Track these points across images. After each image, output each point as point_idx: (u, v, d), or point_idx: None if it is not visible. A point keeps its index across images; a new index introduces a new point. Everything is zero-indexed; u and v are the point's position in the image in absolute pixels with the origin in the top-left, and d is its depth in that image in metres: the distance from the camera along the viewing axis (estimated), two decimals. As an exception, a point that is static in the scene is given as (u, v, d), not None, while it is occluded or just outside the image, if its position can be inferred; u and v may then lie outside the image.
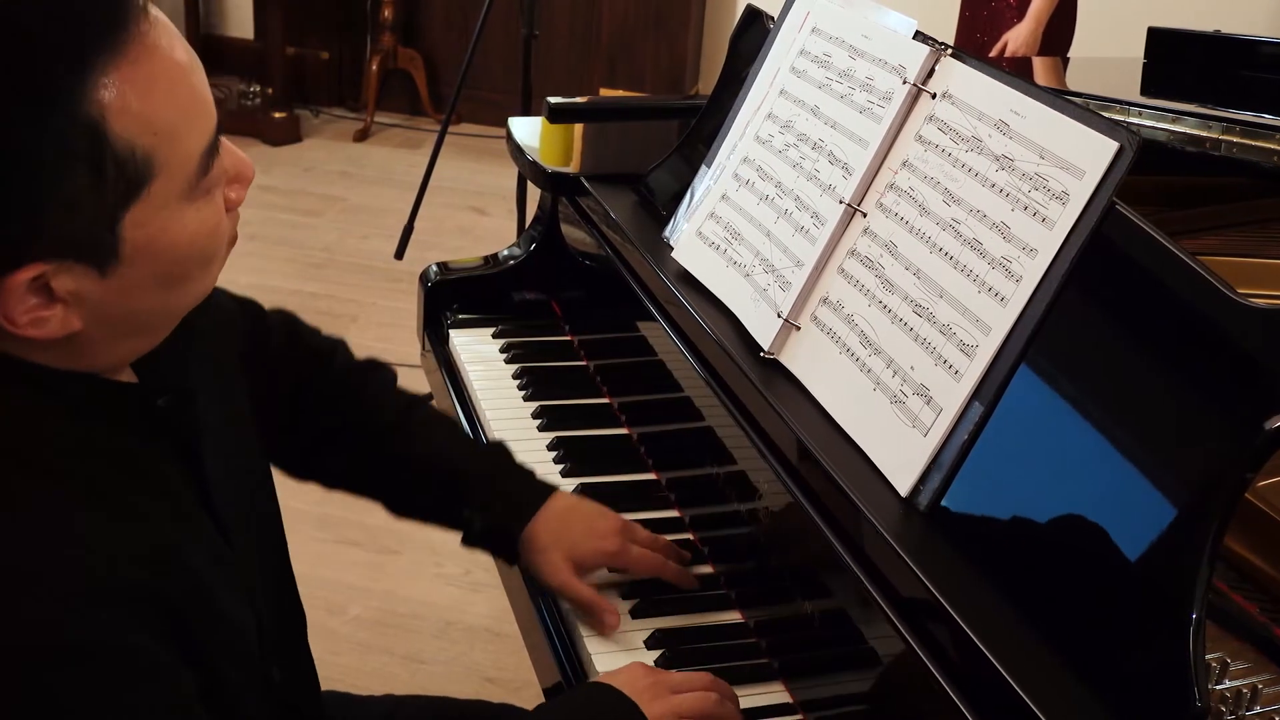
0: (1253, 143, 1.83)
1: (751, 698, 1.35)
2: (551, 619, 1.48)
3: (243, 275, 3.67)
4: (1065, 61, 3.43)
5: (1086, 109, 1.20)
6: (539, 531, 1.43)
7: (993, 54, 4.03)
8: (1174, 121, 1.90)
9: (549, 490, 1.47)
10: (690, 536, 1.58)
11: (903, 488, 1.22)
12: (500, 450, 1.52)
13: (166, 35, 0.91)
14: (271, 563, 1.27)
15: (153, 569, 0.94)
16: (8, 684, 0.86)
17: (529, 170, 2.12)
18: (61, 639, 0.87)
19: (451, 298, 2.10)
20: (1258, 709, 1.15)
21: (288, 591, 1.32)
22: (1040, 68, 3.11)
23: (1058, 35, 4.10)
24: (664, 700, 1.23)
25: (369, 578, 2.93)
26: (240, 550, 1.13)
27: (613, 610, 1.42)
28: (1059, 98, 1.23)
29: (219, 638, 1.02)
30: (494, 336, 2.03)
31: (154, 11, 0.91)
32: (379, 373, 1.53)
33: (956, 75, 1.35)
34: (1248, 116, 1.86)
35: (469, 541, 1.48)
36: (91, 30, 0.86)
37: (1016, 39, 4.01)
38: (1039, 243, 1.18)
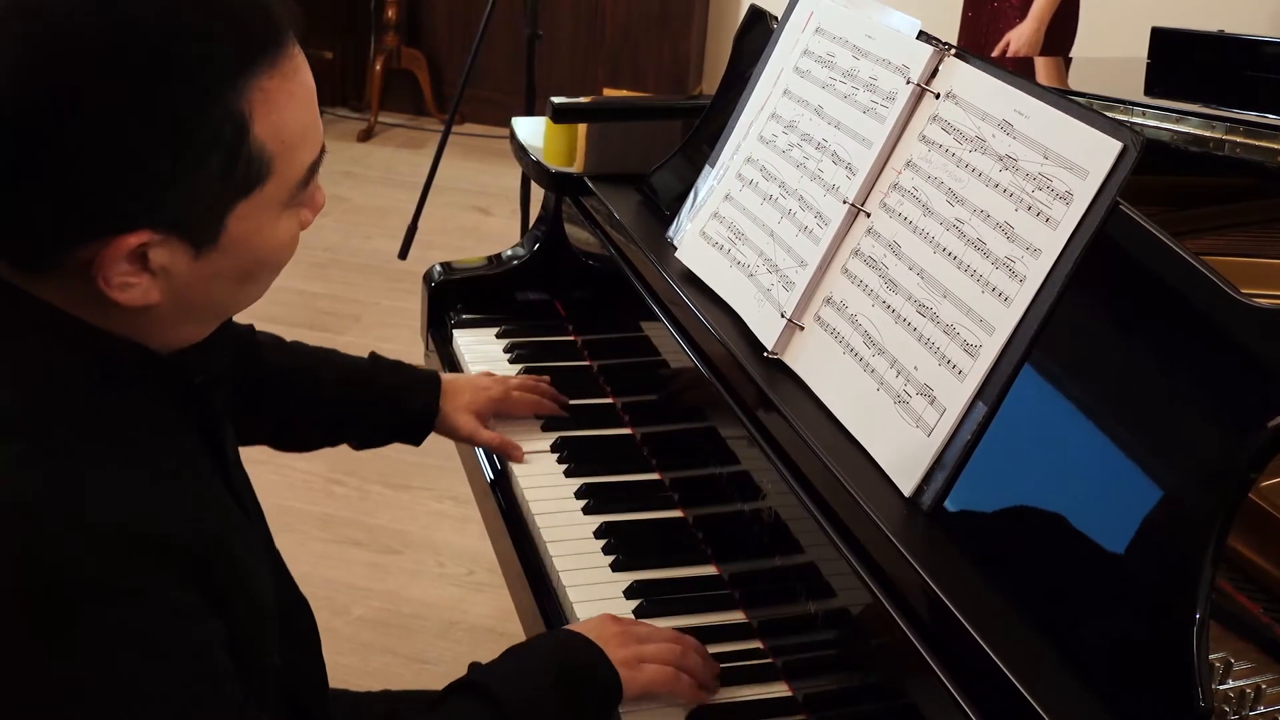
0: (1256, 143, 1.83)
1: (755, 697, 1.35)
2: (555, 618, 1.48)
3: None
4: (1068, 61, 3.43)
5: (1090, 109, 1.20)
6: (445, 402, 1.72)
7: (994, 54, 4.02)
8: (1178, 122, 1.90)
9: (430, 373, 1.75)
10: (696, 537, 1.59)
11: (906, 488, 1.22)
12: (376, 356, 1.74)
13: (304, 62, 1.03)
14: (269, 556, 1.28)
15: (186, 523, 0.99)
16: (48, 622, 0.90)
17: (533, 170, 2.12)
18: (101, 581, 0.92)
19: (455, 298, 2.10)
20: (1261, 709, 1.15)
21: (285, 587, 1.33)
22: (1042, 68, 3.11)
23: (1060, 35, 4.09)
24: (629, 647, 1.31)
25: (372, 578, 2.93)
26: (255, 527, 1.19)
27: (517, 446, 1.73)
28: (1063, 98, 1.23)
29: (243, 598, 1.06)
30: (498, 336, 2.03)
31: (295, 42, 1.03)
32: (263, 338, 1.64)
33: (960, 75, 1.35)
34: (1251, 117, 1.87)
35: (375, 439, 1.73)
36: (256, 42, 0.98)
37: (1018, 39, 4.01)
38: (1043, 243, 1.18)
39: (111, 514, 0.94)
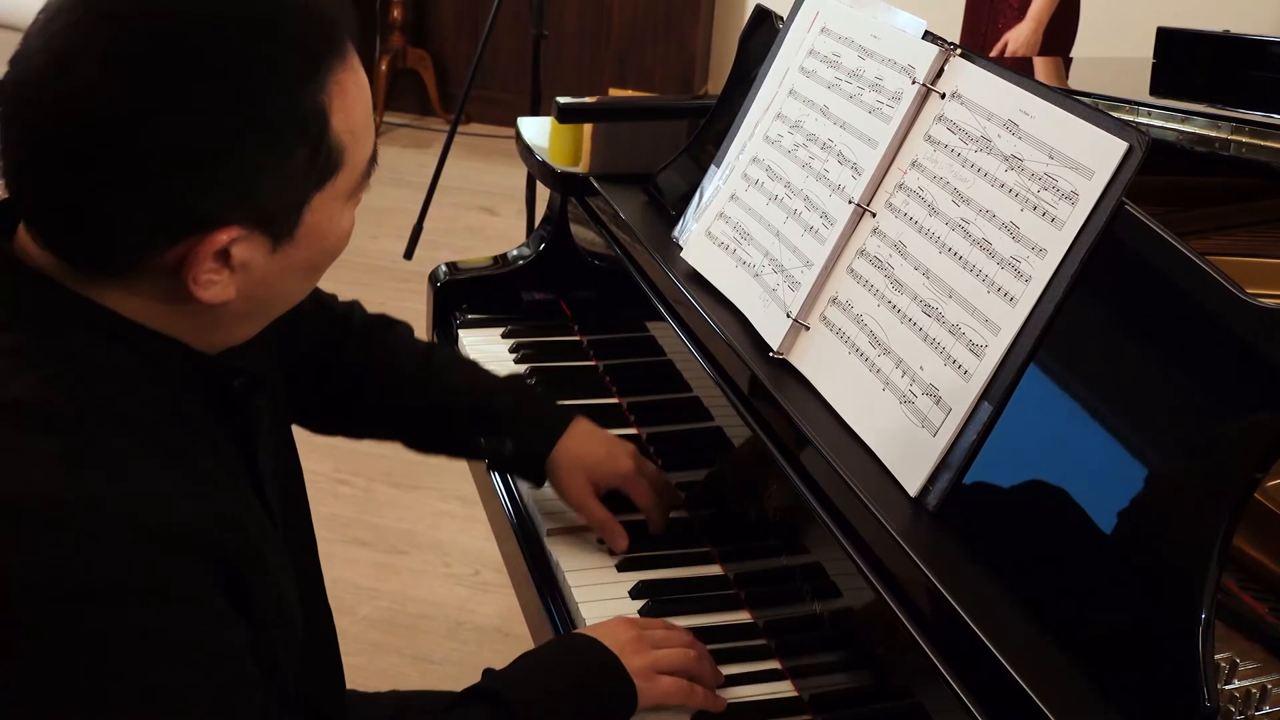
0: (1262, 143, 1.83)
1: (761, 696, 1.35)
2: (560, 618, 1.49)
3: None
4: (1067, 62, 3.43)
5: (1096, 109, 1.20)
6: (564, 452, 1.55)
7: (993, 54, 4.02)
8: (1183, 121, 1.90)
9: (571, 414, 1.59)
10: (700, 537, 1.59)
11: (912, 488, 1.22)
12: (521, 381, 1.65)
13: (358, 58, 1.06)
14: (302, 563, 1.28)
15: (220, 527, 0.99)
16: (77, 621, 0.91)
17: (538, 170, 2.12)
18: (135, 579, 0.93)
19: (461, 297, 2.10)
20: (1267, 709, 1.15)
21: (317, 595, 1.34)
22: (1041, 67, 3.11)
23: (1060, 35, 4.09)
24: (645, 654, 1.30)
25: (378, 578, 2.93)
26: (284, 536, 1.19)
27: (624, 533, 1.54)
28: (1068, 97, 1.23)
29: (269, 605, 1.07)
30: (503, 336, 2.03)
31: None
32: (395, 326, 1.64)
33: (966, 75, 1.35)
34: (1257, 117, 1.86)
35: (496, 465, 1.65)
36: (333, 36, 1.01)
37: (1017, 39, 4.01)
38: (1048, 243, 1.18)
39: (145, 514, 0.94)
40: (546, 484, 1.58)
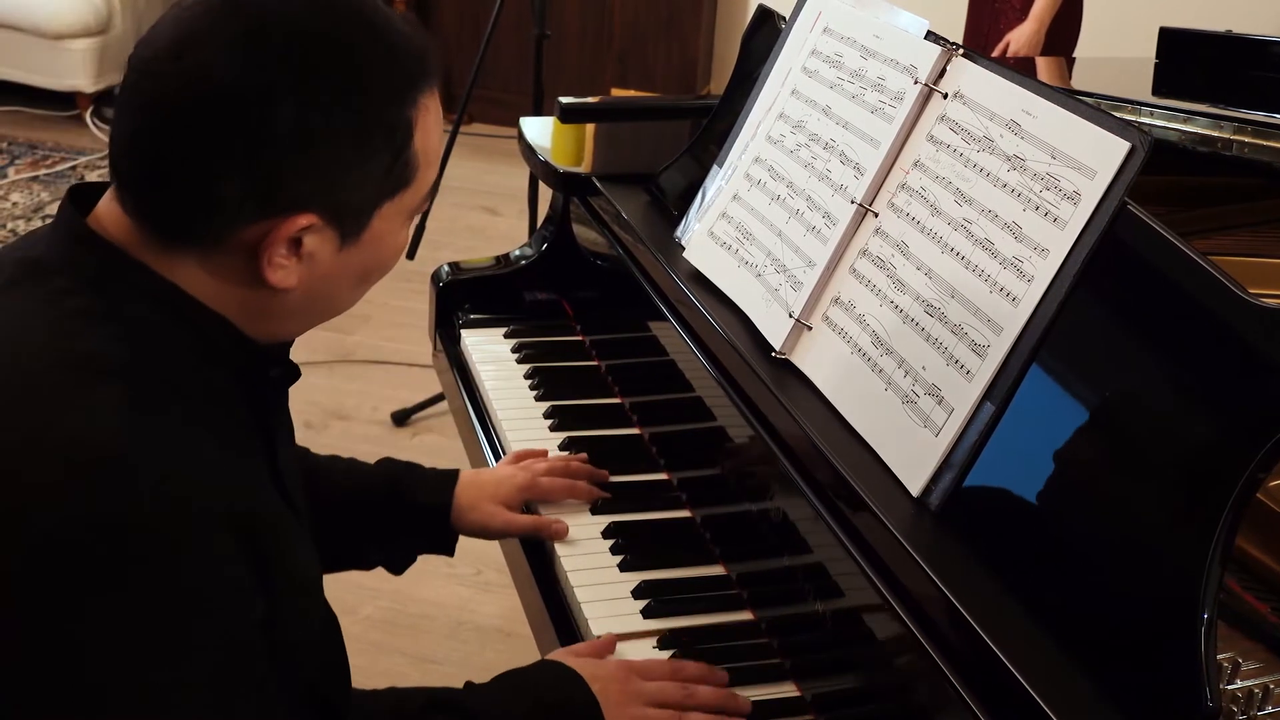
0: (1264, 143, 1.82)
1: (763, 697, 1.35)
2: (563, 619, 1.49)
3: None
4: (1070, 62, 3.42)
5: (1098, 109, 1.20)
6: (460, 498, 1.60)
7: (995, 54, 4.01)
8: (1185, 122, 1.90)
9: (450, 471, 1.63)
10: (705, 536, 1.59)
11: (914, 487, 1.22)
12: (389, 463, 1.65)
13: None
14: None
15: (248, 501, 1.03)
16: (102, 566, 0.93)
17: (540, 170, 2.12)
18: (163, 536, 0.95)
19: (463, 297, 2.10)
20: (1269, 709, 1.15)
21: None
22: (1043, 67, 3.10)
23: (1063, 36, 4.08)
24: (629, 708, 1.30)
25: (380, 577, 2.89)
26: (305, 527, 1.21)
27: (559, 521, 1.59)
28: (1070, 97, 1.23)
29: (294, 587, 1.11)
30: (505, 336, 2.03)
31: None
32: None
33: (968, 75, 1.35)
34: (1259, 117, 1.86)
35: (400, 550, 1.68)
36: (428, 64, 1.10)
37: (1019, 39, 4.00)
38: (1050, 243, 1.18)
39: (186, 475, 0.97)
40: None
